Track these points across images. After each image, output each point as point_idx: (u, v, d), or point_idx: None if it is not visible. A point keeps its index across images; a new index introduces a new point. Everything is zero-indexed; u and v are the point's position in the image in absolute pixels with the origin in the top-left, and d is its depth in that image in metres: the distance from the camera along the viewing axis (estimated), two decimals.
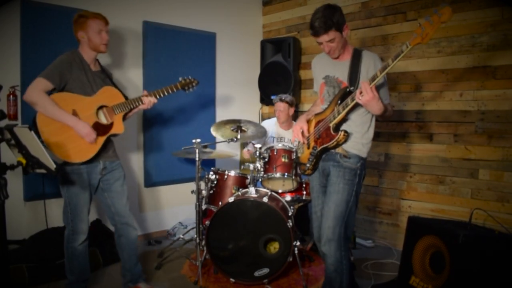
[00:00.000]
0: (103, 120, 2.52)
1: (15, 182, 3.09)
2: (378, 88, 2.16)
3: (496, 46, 3.13)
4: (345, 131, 2.22)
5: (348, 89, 2.19)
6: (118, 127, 2.55)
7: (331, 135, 2.24)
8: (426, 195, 3.58)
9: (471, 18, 3.24)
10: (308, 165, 2.41)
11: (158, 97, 2.70)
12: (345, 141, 2.24)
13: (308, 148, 2.41)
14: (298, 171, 3.06)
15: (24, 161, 1.76)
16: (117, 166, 2.67)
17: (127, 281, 2.73)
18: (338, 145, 2.26)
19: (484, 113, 3.22)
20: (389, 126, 3.79)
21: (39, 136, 2.26)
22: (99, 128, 2.47)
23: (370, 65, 2.20)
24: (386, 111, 2.17)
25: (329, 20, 2.11)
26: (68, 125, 2.36)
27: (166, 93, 2.72)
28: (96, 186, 2.59)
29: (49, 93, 2.40)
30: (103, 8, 3.50)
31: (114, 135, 2.58)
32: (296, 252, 2.88)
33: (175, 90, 2.76)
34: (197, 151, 3.07)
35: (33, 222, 3.20)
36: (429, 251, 2.59)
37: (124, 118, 2.65)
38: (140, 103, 2.62)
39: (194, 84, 2.88)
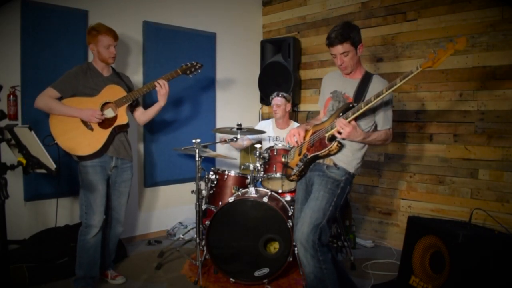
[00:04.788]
0: (109, 114, 2.73)
1: (15, 182, 3.09)
2: (381, 109, 2.22)
3: (496, 46, 3.13)
4: (339, 142, 2.21)
5: (351, 105, 2.20)
6: (122, 118, 2.76)
7: (325, 144, 2.25)
8: (426, 195, 3.58)
9: (471, 18, 3.24)
10: (295, 170, 2.42)
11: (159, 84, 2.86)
12: (337, 152, 2.24)
13: (299, 155, 2.43)
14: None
15: (24, 161, 1.76)
16: (127, 168, 2.89)
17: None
18: (329, 154, 2.25)
19: (484, 113, 3.22)
20: None
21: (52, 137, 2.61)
22: (104, 122, 2.71)
23: (378, 89, 2.13)
24: (368, 137, 2.20)
25: (345, 33, 2.20)
26: (74, 116, 2.63)
27: (166, 80, 2.89)
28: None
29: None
30: (103, 8, 3.52)
31: (120, 126, 2.76)
32: (296, 252, 2.88)
33: (175, 75, 2.92)
34: (197, 151, 3.07)
35: (33, 222, 3.20)
36: (429, 251, 2.59)
37: (133, 111, 2.99)
38: (142, 93, 2.82)
39: (197, 67, 3.00)
